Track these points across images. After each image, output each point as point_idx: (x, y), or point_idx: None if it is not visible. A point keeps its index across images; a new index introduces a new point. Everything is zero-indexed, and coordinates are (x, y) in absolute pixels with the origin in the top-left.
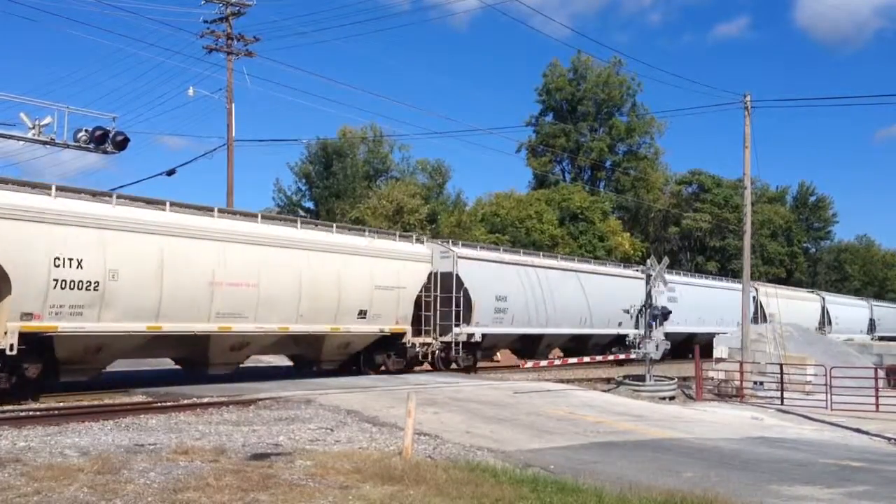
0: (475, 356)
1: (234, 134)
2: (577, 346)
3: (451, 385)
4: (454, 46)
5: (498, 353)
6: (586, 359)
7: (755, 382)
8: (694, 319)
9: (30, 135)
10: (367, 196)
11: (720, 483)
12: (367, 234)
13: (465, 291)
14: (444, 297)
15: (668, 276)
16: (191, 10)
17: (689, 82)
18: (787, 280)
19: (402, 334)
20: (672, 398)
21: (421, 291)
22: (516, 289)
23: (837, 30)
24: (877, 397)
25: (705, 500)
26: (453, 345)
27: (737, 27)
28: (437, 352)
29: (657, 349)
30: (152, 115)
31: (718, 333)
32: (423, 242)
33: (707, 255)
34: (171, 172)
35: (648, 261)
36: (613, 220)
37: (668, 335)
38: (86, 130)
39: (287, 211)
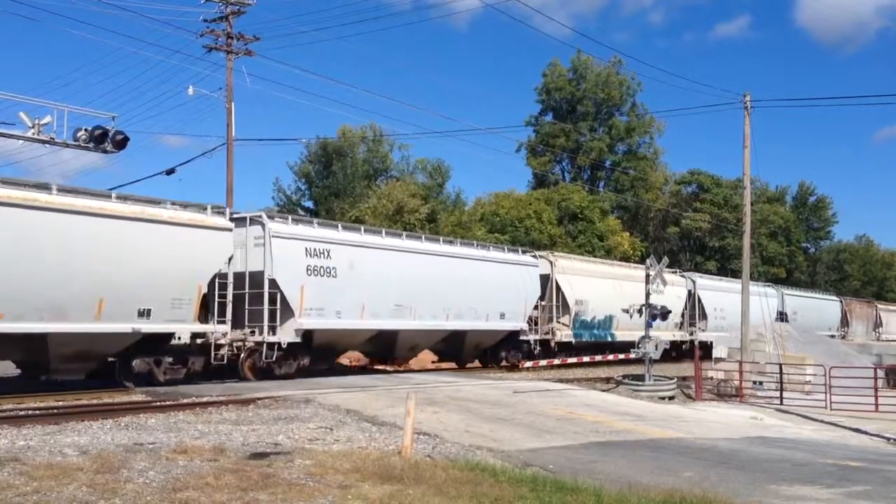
0: None
1: (233, 133)
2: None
3: (450, 384)
4: (454, 46)
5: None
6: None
7: (754, 382)
8: (391, 309)
9: (29, 134)
10: (366, 195)
11: (719, 483)
12: None
13: None
14: None
15: (316, 230)
16: (191, 10)
17: (688, 82)
18: (787, 280)
19: None
20: (671, 398)
21: None
22: None
23: (838, 29)
24: (876, 397)
25: (704, 499)
26: None
27: (737, 27)
28: None
29: (656, 349)
30: (152, 115)
31: (471, 330)
32: None
33: (706, 254)
34: (170, 171)
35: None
36: (613, 220)
37: (307, 335)
38: (85, 129)
39: (287, 210)
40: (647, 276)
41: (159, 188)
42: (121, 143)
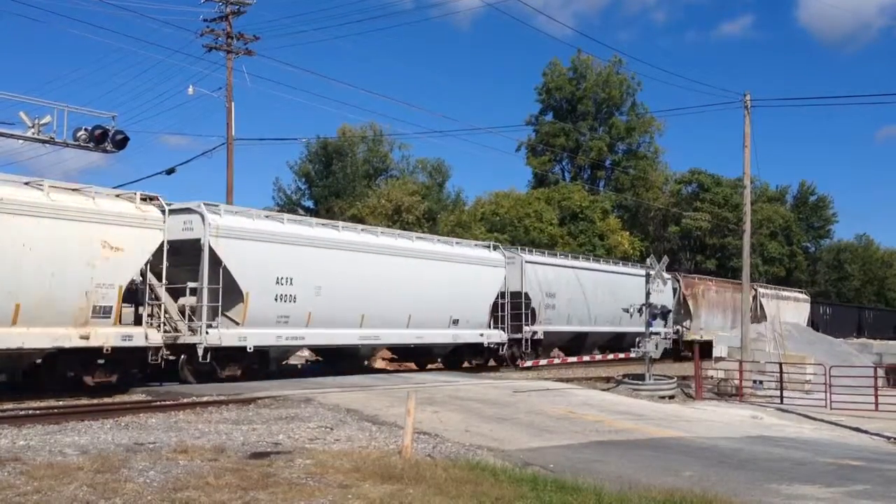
0: None
1: (233, 132)
2: None
3: (450, 384)
4: (455, 45)
5: None
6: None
7: (755, 381)
8: None
9: (29, 134)
10: (366, 195)
11: (720, 482)
12: None
13: None
14: None
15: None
16: (191, 9)
17: (689, 81)
18: (786, 280)
19: None
20: (672, 397)
21: None
22: None
23: (840, 29)
24: (876, 396)
25: (705, 499)
26: None
27: (740, 26)
28: None
29: (657, 348)
30: (152, 115)
31: None
32: None
33: (706, 254)
34: (170, 171)
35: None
36: (613, 220)
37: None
38: (85, 129)
39: (287, 210)
40: (650, 273)
41: (159, 188)
42: (121, 143)
